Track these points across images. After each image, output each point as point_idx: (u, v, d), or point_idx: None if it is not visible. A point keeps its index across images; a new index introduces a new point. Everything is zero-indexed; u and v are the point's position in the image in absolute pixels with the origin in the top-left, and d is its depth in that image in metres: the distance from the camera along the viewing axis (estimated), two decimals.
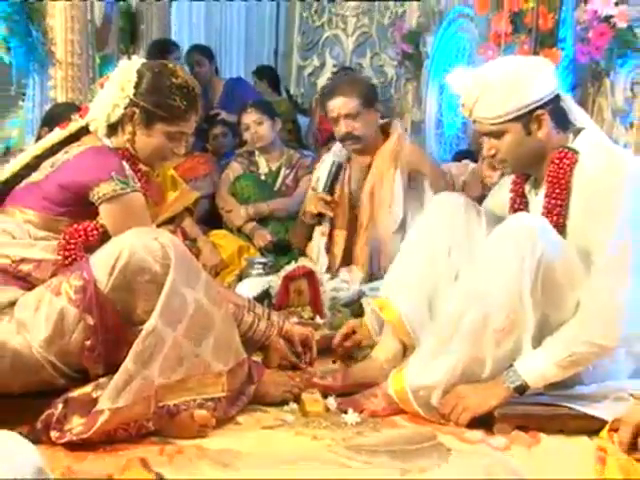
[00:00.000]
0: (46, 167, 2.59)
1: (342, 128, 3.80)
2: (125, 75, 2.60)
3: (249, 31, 8.16)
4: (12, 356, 2.32)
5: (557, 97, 2.64)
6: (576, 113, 2.70)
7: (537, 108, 2.57)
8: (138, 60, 2.68)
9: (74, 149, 2.59)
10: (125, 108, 2.58)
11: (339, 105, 3.79)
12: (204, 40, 8.24)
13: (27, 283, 2.45)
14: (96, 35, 5.58)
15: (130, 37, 7.27)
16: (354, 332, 2.95)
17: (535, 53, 4.43)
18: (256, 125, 4.68)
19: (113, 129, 2.63)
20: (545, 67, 2.66)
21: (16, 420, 2.22)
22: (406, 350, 2.76)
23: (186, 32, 8.08)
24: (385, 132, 3.92)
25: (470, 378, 2.50)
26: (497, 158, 2.67)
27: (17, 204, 2.56)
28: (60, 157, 2.58)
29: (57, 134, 2.66)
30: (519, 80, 2.57)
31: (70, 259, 2.47)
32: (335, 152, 3.93)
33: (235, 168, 4.80)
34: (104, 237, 2.52)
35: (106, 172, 2.50)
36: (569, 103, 2.69)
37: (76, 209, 2.53)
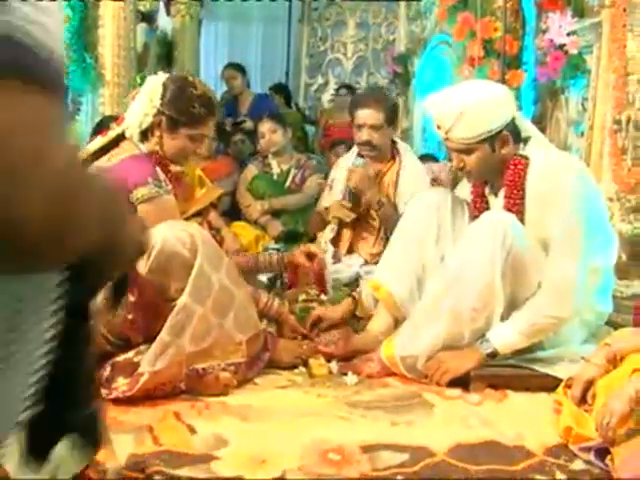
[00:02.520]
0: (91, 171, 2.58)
1: (364, 136, 3.70)
2: (153, 88, 2.60)
3: (265, 54, 8.14)
4: None
5: (515, 119, 2.63)
6: (524, 124, 2.69)
7: (501, 130, 2.56)
8: (163, 75, 2.67)
9: (115, 156, 2.58)
10: (154, 116, 2.58)
11: (367, 115, 3.68)
12: (227, 61, 8.23)
13: None
14: (137, 59, 5.58)
15: (166, 60, 7.26)
16: (320, 319, 2.92)
17: (503, 73, 4.44)
18: (271, 133, 4.66)
19: (145, 135, 2.63)
20: (506, 95, 2.65)
21: None
22: (397, 323, 2.76)
23: (212, 56, 8.06)
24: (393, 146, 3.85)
25: (450, 347, 2.51)
26: (465, 170, 2.65)
27: None
28: (103, 163, 2.57)
29: (99, 141, 2.65)
30: (487, 109, 2.55)
31: None
32: (350, 158, 3.88)
33: (252, 169, 4.79)
34: None
35: (143, 177, 2.50)
36: (519, 118, 2.68)
37: None
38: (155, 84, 2.61)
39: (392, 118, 3.75)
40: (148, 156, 2.60)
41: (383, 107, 3.71)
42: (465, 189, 2.86)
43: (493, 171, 2.63)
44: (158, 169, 2.57)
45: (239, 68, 6.61)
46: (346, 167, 3.78)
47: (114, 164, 2.55)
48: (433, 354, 2.50)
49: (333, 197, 3.86)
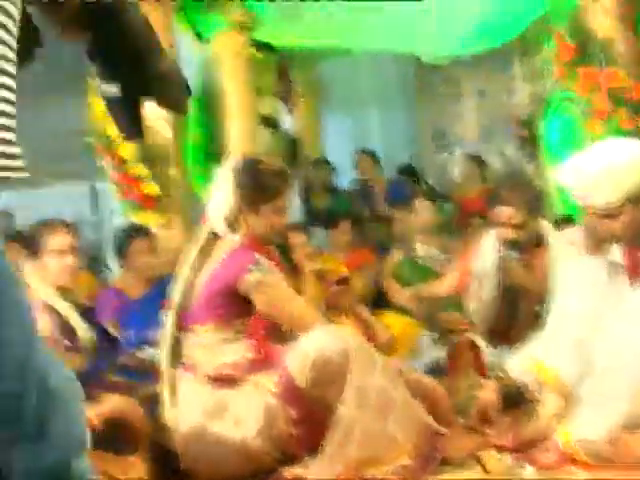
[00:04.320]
0: (200, 283, 2.60)
1: (508, 235, 3.51)
2: (224, 178, 2.64)
3: (388, 137, 8.16)
4: (233, 448, 2.32)
5: None
6: None
7: None
8: (229, 164, 2.71)
9: (213, 261, 2.62)
10: (233, 203, 2.59)
11: (507, 215, 3.47)
12: (351, 153, 8.36)
13: (232, 383, 2.44)
14: None
15: (291, 158, 7.43)
16: (487, 409, 2.77)
17: (635, 121, 4.23)
18: (425, 213, 4.60)
19: (231, 225, 2.63)
20: None
21: None
22: (568, 404, 2.58)
23: (336, 147, 8.17)
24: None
25: (632, 427, 2.31)
26: (611, 238, 2.49)
27: (197, 323, 2.57)
28: (206, 270, 2.60)
29: (194, 249, 2.67)
30: (624, 169, 2.42)
31: (263, 354, 2.47)
32: (491, 241, 3.72)
33: (396, 255, 4.73)
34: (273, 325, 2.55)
35: (243, 267, 2.50)
36: None
37: (238, 307, 2.54)
38: (225, 174, 2.65)
39: (537, 210, 3.58)
40: (242, 245, 2.60)
41: (523, 202, 3.48)
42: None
43: None
44: (255, 253, 2.56)
45: (372, 154, 6.66)
46: (492, 249, 3.63)
47: (215, 268, 2.57)
48: (616, 436, 2.31)
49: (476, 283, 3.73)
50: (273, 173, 2.66)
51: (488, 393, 2.79)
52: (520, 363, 2.84)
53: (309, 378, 2.28)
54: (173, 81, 1.47)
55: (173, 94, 1.51)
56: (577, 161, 2.53)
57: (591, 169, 2.43)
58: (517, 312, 3.59)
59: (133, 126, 1.53)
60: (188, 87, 1.62)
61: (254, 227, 2.63)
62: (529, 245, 3.59)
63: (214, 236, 2.67)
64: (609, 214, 2.44)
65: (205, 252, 2.65)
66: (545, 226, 3.70)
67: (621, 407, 2.32)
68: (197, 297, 2.58)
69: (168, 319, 2.63)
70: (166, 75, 1.46)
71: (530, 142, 6.54)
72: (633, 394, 2.31)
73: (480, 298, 3.68)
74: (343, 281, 4.20)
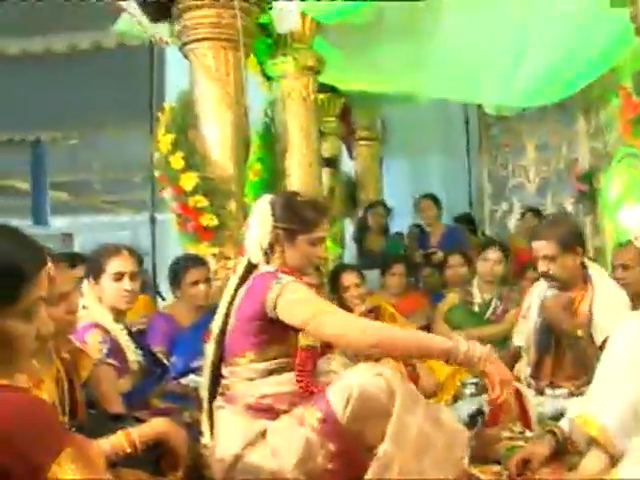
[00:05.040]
0: (234, 312, 2.62)
1: (541, 267, 3.59)
2: (262, 209, 2.66)
3: (446, 185, 8.18)
4: (270, 478, 2.31)
5: None
6: None
7: None
8: (266, 197, 2.73)
9: (244, 289, 2.64)
10: (270, 234, 2.61)
11: (540, 247, 3.56)
12: (409, 197, 8.37)
13: (272, 414, 2.45)
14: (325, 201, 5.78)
15: (351, 201, 7.49)
16: (528, 459, 2.71)
17: None
18: (497, 264, 4.58)
19: (267, 255, 2.65)
20: None
21: None
22: (612, 460, 2.51)
23: (395, 192, 8.21)
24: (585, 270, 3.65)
25: None
26: None
27: (236, 354, 2.58)
28: (238, 298, 2.63)
29: (234, 280, 2.70)
30: None
31: (305, 386, 2.47)
32: (542, 285, 3.74)
33: (452, 298, 4.72)
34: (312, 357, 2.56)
35: (266, 286, 2.50)
36: None
37: (272, 332, 2.54)
38: (263, 205, 2.68)
39: (569, 245, 3.56)
40: (275, 271, 2.60)
41: (556, 237, 3.54)
42: None
43: None
44: (280, 273, 2.56)
45: (434, 199, 6.69)
46: (538, 295, 3.63)
47: (244, 295, 2.59)
48: None
49: (528, 326, 3.70)
50: (310, 205, 2.70)
51: (539, 447, 2.74)
52: (569, 414, 2.80)
53: (350, 413, 2.27)
54: None
55: None
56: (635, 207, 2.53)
57: None
58: (558, 353, 3.55)
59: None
60: None
61: (290, 259, 2.65)
62: (572, 283, 3.58)
63: (252, 267, 2.69)
64: None
65: (243, 283, 2.67)
66: (595, 269, 3.67)
67: None
68: (232, 327, 2.60)
69: (209, 350, 2.66)
70: None
71: (589, 196, 6.49)
72: None
73: (524, 329, 3.67)
74: (373, 310, 4.21)
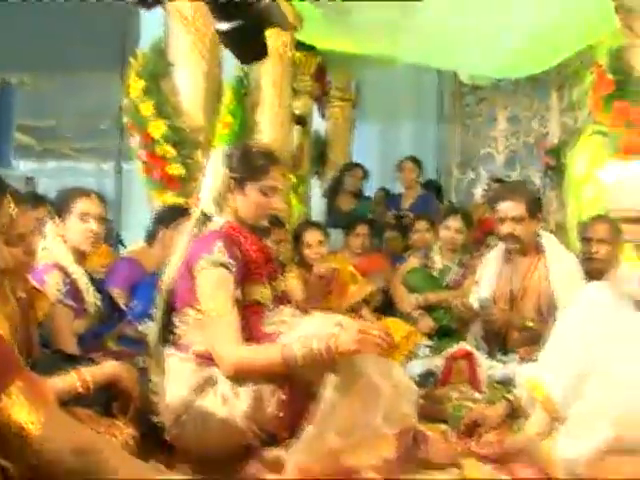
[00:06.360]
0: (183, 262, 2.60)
1: (506, 228, 3.66)
2: (215, 159, 2.66)
3: (415, 152, 8.18)
4: (219, 425, 2.34)
5: None
6: None
7: None
8: (222, 149, 2.74)
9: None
10: (221, 183, 2.61)
11: (508, 208, 3.64)
12: (378, 159, 8.40)
13: None
14: (292, 160, 5.77)
15: (319, 160, 7.48)
16: (477, 422, 2.78)
17: None
18: (458, 232, 4.62)
19: (220, 206, 2.64)
20: None
21: (222, 475, 2.22)
22: (556, 423, 2.59)
23: (363, 153, 8.20)
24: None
25: (615, 452, 2.31)
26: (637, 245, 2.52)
27: (186, 303, 2.56)
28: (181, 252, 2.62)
29: (187, 230, 2.68)
30: None
31: (254, 336, 2.49)
32: (496, 254, 3.81)
33: (412, 262, 4.75)
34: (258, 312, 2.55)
35: (198, 255, 2.49)
36: None
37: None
38: (217, 156, 2.68)
39: (534, 210, 3.65)
40: (215, 232, 2.59)
41: (524, 199, 3.64)
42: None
43: None
44: (222, 244, 2.51)
45: (417, 162, 6.69)
46: (492, 259, 3.75)
47: (185, 252, 2.58)
48: (596, 459, 2.31)
49: (478, 297, 3.77)
50: (260, 153, 2.68)
51: (491, 411, 2.81)
52: (520, 379, 2.87)
53: (301, 361, 2.29)
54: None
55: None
56: (619, 165, 2.58)
57: (629, 171, 2.48)
58: (513, 318, 3.62)
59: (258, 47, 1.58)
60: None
61: (242, 208, 2.64)
62: (528, 249, 3.66)
63: (206, 218, 2.68)
64: (637, 218, 2.46)
65: (196, 234, 2.66)
66: (545, 236, 3.74)
67: (604, 432, 2.32)
68: (181, 278, 2.58)
69: (159, 298, 2.66)
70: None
71: (556, 171, 6.54)
72: (617, 421, 2.31)
73: (479, 302, 3.72)
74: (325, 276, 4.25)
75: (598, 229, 3.87)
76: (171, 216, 4.03)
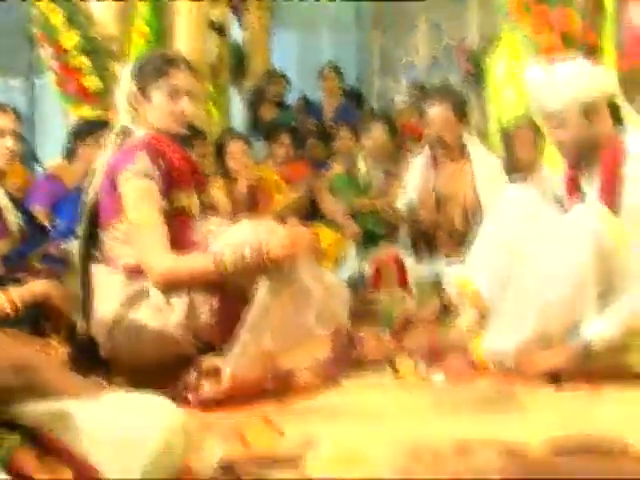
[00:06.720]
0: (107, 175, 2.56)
1: (433, 131, 3.69)
2: (125, 73, 2.62)
3: (336, 58, 8.09)
4: (153, 336, 2.33)
5: (615, 98, 2.60)
6: (626, 111, 2.63)
7: (599, 103, 2.53)
8: (132, 62, 2.69)
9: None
10: (129, 93, 2.56)
11: (435, 111, 3.66)
12: (298, 68, 8.29)
13: None
14: (211, 70, 5.64)
15: (238, 70, 7.33)
16: (408, 321, 2.86)
17: None
18: (382, 139, 4.58)
19: (134, 119, 2.58)
20: (607, 72, 2.68)
21: (160, 387, 2.22)
22: (484, 319, 2.68)
23: (282, 62, 8.08)
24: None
25: (540, 343, 2.42)
26: (559, 144, 2.58)
27: (112, 217, 2.51)
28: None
29: (109, 144, 2.63)
30: (583, 77, 2.53)
31: (185, 244, 2.46)
32: (421, 160, 3.84)
33: (337, 168, 4.74)
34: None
35: (122, 166, 2.45)
36: (621, 102, 2.63)
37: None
38: (125, 70, 2.63)
39: (461, 114, 3.68)
40: (137, 144, 2.53)
41: (452, 102, 3.67)
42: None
43: (588, 148, 2.56)
44: (145, 154, 2.47)
45: (338, 71, 6.62)
46: (418, 164, 3.80)
47: (107, 164, 2.54)
48: (523, 350, 2.42)
49: (405, 200, 3.82)
50: (160, 56, 2.63)
51: (424, 310, 2.88)
52: (449, 279, 2.95)
53: (233, 267, 2.29)
54: None
55: None
56: (544, 66, 2.61)
57: (551, 70, 2.52)
58: (440, 220, 3.70)
59: None
60: None
61: (152, 117, 2.57)
62: (454, 153, 3.70)
63: (126, 131, 2.61)
64: (561, 123, 2.52)
65: (118, 147, 2.59)
66: (471, 140, 3.79)
67: (530, 325, 2.42)
68: (106, 190, 2.53)
69: (84, 212, 2.61)
70: None
71: (476, 77, 6.58)
72: (541, 315, 2.41)
73: (407, 206, 3.78)
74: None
75: (520, 133, 3.94)
76: (89, 130, 3.92)
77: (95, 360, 2.44)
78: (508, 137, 3.98)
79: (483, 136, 6.01)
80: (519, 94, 5.68)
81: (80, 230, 2.61)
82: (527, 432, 2.01)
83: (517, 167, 3.82)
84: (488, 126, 6.29)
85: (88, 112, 4.39)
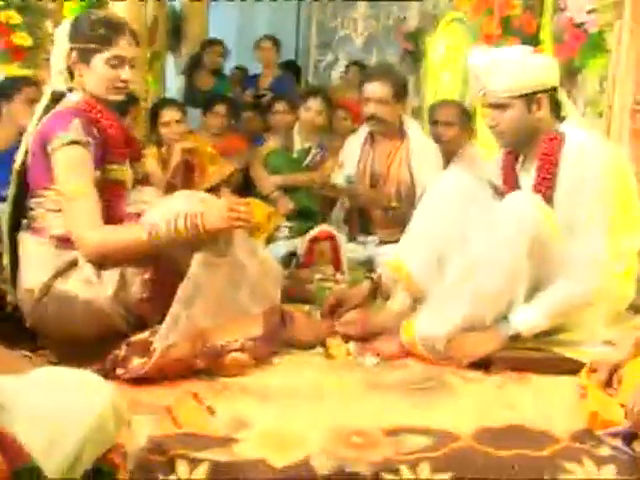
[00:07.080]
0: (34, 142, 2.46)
1: (371, 110, 3.68)
2: (61, 32, 2.50)
3: (273, 31, 7.99)
4: (83, 307, 2.28)
5: (556, 88, 2.64)
6: (565, 102, 2.68)
7: (540, 92, 2.57)
8: (67, 20, 2.57)
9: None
10: (66, 56, 2.47)
11: (374, 89, 3.65)
12: (236, 38, 8.17)
13: None
14: (147, 34, 5.51)
15: (175, 35, 7.18)
16: (340, 302, 2.86)
17: None
18: (318, 113, 4.51)
19: (67, 82, 2.50)
20: (551, 62, 2.67)
21: (89, 361, 2.18)
22: (416, 303, 2.70)
23: (220, 31, 7.93)
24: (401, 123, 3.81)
25: (471, 329, 2.46)
26: (497, 129, 2.62)
27: (40, 186, 2.43)
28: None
29: (39, 108, 2.53)
30: (527, 65, 2.57)
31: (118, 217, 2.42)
32: (359, 136, 3.85)
33: (272, 143, 4.68)
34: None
35: (53, 133, 2.36)
36: (561, 93, 2.68)
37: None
38: (62, 28, 2.51)
39: (400, 93, 3.70)
40: (69, 109, 2.45)
41: (391, 81, 3.68)
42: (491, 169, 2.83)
43: (525, 136, 2.62)
44: (78, 121, 2.38)
45: (275, 42, 6.53)
46: (354, 142, 3.81)
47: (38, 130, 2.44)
48: (454, 335, 2.45)
49: (343, 175, 3.82)
50: (104, 21, 2.50)
51: (354, 290, 2.88)
52: (382, 260, 2.96)
53: (166, 240, 2.25)
54: None
55: None
56: (487, 49, 2.64)
57: (495, 55, 2.57)
58: (377, 196, 3.72)
59: None
60: None
61: (89, 82, 2.47)
62: (391, 132, 3.72)
63: (59, 94, 2.52)
64: (500, 105, 2.55)
65: (49, 111, 2.49)
66: (410, 121, 3.81)
67: (461, 310, 2.45)
68: (34, 158, 2.44)
69: (12, 181, 2.51)
70: None
71: (413, 56, 6.61)
72: (473, 300, 2.44)
73: (345, 178, 3.78)
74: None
75: (445, 112, 3.98)
76: (14, 87, 3.77)
77: (21, 331, 2.38)
78: (433, 116, 4.00)
79: (417, 115, 6.05)
80: (455, 78, 5.73)
81: (8, 196, 2.52)
82: (456, 417, 2.05)
83: (442, 145, 3.84)
84: (423, 105, 6.31)
85: (17, 70, 4.23)
